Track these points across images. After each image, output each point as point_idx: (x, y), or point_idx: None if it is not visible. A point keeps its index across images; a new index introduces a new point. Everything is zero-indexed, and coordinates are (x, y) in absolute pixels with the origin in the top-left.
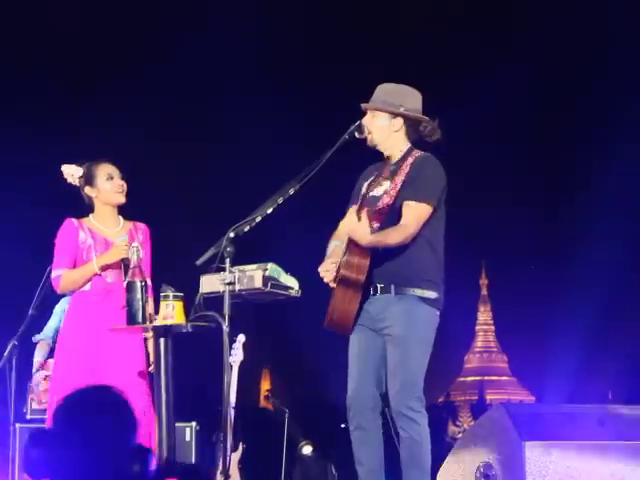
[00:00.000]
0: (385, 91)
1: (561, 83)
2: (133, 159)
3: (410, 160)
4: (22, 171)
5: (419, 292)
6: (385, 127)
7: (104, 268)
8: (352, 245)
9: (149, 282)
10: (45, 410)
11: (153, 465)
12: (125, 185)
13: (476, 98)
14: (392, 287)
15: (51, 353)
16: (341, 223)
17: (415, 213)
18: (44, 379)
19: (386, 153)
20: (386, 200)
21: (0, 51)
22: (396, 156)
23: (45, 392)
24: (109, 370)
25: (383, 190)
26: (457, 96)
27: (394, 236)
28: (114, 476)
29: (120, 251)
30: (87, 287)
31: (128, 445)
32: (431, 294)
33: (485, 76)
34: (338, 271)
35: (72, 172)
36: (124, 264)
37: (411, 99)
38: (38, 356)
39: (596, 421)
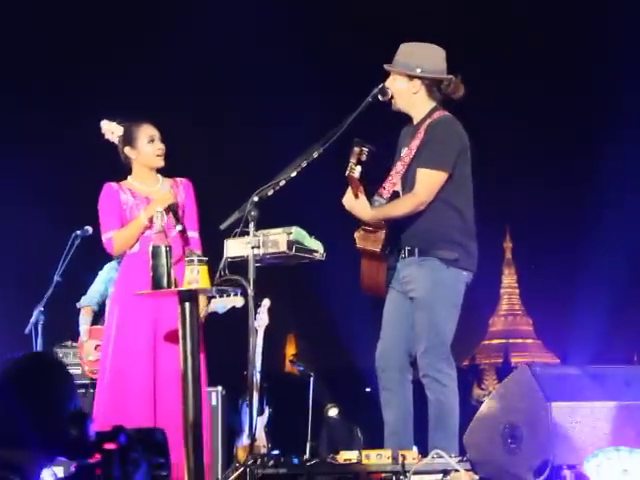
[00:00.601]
0: (404, 53)
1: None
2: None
3: (426, 124)
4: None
5: (440, 254)
6: (404, 90)
7: (152, 219)
8: None
9: (197, 237)
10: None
11: (92, 430)
12: (164, 148)
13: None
14: (416, 250)
15: (95, 319)
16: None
17: (426, 181)
18: (95, 349)
19: (411, 115)
20: (399, 168)
21: None
22: (418, 118)
23: (96, 362)
24: (160, 333)
25: (401, 156)
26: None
27: (400, 207)
28: (50, 440)
29: (165, 199)
30: (135, 249)
31: (66, 410)
32: (451, 255)
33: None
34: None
35: (112, 130)
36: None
37: (430, 59)
38: (84, 323)
39: (622, 382)
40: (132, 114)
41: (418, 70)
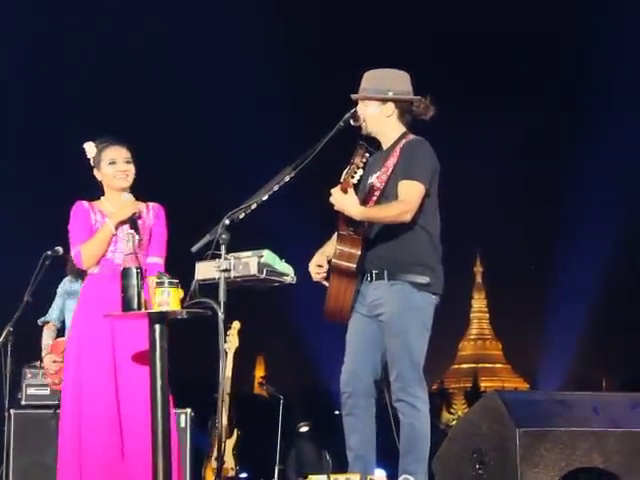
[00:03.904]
0: (372, 78)
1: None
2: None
3: (401, 144)
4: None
5: (411, 278)
6: (377, 114)
7: (118, 226)
8: (343, 232)
9: (162, 263)
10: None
11: None
12: (130, 169)
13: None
14: (385, 273)
15: (59, 333)
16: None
17: (410, 190)
18: (54, 362)
19: (381, 140)
20: (377, 184)
21: None
22: (390, 141)
23: (57, 373)
24: (125, 353)
25: (375, 176)
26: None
27: (389, 210)
28: None
29: (128, 206)
30: (96, 270)
31: None
32: (423, 279)
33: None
34: (329, 262)
35: (88, 151)
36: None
37: (398, 81)
38: (47, 338)
39: (590, 408)
40: (111, 135)
41: (390, 93)
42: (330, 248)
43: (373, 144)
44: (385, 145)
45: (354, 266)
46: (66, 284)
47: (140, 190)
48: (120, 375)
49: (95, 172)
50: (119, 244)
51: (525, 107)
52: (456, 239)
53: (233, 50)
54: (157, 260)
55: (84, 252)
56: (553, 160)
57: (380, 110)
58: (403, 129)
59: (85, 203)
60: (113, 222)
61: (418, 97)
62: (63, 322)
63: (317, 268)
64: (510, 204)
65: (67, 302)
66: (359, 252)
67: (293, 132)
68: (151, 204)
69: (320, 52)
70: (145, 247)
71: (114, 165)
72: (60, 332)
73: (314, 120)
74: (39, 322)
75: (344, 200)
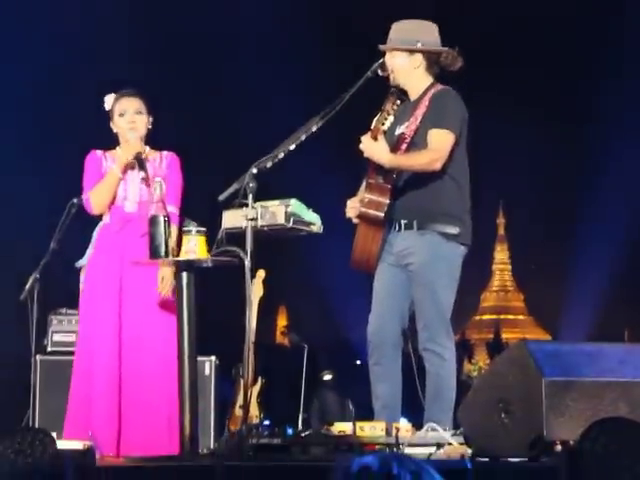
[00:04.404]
0: (400, 29)
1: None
2: (157, 90)
3: (430, 94)
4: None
5: (441, 228)
6: (405, 65)
7: (124, 170)
8: (372, 181)
9: (176, 212)
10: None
11: None
12: (138, 120)
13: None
14: (415, 223)
15: None
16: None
17: (440, 139)
18: None
19: (409, 90)
20: (406, 133)
21: None
22: (418, 92)
23: None
24: (132, 301)
25: (404, 126)
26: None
27: (419, 158)
28: None
29: (130, 148)
30: (106, 219)
31: None
32: (453, 229)
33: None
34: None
35: (106, 103)
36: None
37: (427, 33)
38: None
39: (616, 360)
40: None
41: (419, 44)
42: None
43: (402, 95)
44: (413, 96)
45: (382, 215)
46: None
47: (167, 138)
48: (125, 324)
49: (111, 123)
50: (129, 192)
51: (559, 68)
52: (479, 190)
53: None
54: (172, 209)
55: (92, 198)
56: (580, 113)
57: (408, 61)
58: (431, 80)
59: (98, 152)
60: (118, 166)
61: (446, 48)
62: None
63: (353, 203)
64: (534, 156)
65: None
66: (388, 201)
67: (325, 76)
68: (165, 153)
69: None
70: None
71: (123, 117)
72: None
73: (344, 68)
74: (76, 265)
75: (374, 147)
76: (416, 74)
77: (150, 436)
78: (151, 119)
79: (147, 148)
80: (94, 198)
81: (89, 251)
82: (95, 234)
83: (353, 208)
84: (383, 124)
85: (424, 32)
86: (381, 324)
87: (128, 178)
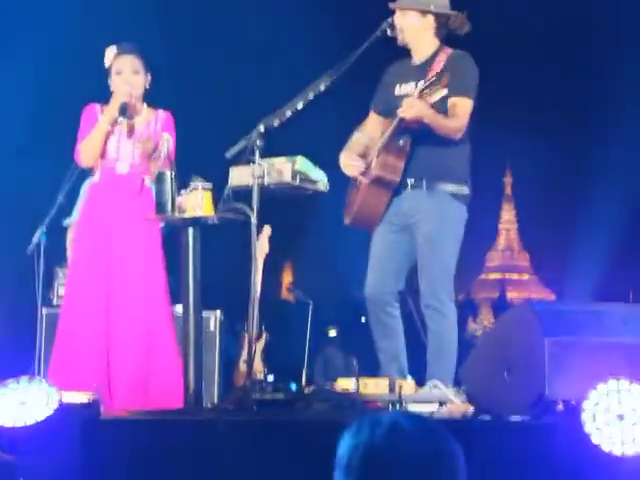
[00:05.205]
0: None
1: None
2: (164, 44)
3: (443, 57)
4: None
5: (450, 188)
6: (416, 26)
7: (112, 123)
8: (390, 143)
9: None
10: None
11: None
12: (134, 81)
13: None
14: (423, 183)
15: None
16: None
17: (465, 108)
18: None
19: (416, 51)
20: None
21: None
22: (426, 54)
23: None
24: (122, 258)
25: (418, 88)
26: None
27: (450, 123)
28: None
29: (118, 96)
30: (96, 178)
31: None
32: (462, 190)
33: None
34: (367, 168)
35: (105, 58)
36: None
37: None
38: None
39: (620, 320)
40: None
41: (432, 6)
42: (357, 147)
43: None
44: (418, 57)
45: (398, 179)
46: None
47: (171, 92)
48: (115, 285)
49: (109, 80)
50: (121, 153)
51: (571, 31)
52: (486, 149)
53: None
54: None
55: (81, 149)
56: (586, 68)
57: (420, 22)
58: (438, 42)
59: (97, 105)
60: (105, 117)
61: (455, 12)
62: None
63: (353, 161)
64: (541, 116)
65: None
66: (403, 164)
67: (329, 37)
68: (160, 112)
69: None
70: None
71: (120, 75)
72: None
73: (350, 26)
74: (64, 224)
75: (421, 105)
76: (426, 35)
77: (133, 389)
78: (149, 77)
79: (144, 106)
80: (83, 151)
81: (77, 208)
82: (83, 192)
83: (353, 166)
84: (431, 95)
85: None
86: (379, 283)
87: (121, 139)
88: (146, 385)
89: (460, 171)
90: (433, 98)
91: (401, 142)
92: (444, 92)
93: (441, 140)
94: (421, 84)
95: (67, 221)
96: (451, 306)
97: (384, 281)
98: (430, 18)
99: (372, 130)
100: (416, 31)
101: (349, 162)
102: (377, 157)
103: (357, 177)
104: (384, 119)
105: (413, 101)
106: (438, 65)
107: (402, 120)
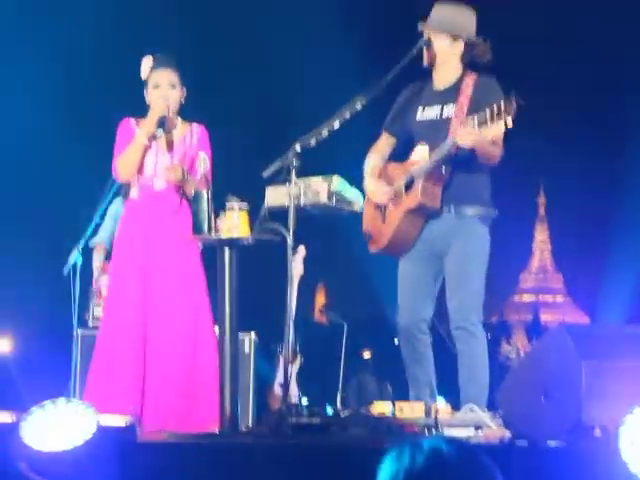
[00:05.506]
0: (446, 12)
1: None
2: (198, 60)
3: (469, 81)
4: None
5: (477, 211)
6: (446, 49)
7: (150, 138)
8: (434, 169)
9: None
10: None
11: None
12: (171, 96)
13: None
14: (452, 207)
15: (109, 256)
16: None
17: (501, 136)
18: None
19: (440, 74)
20: (456, 120)
21: None
22: (450, 78)
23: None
24: (161, 278)
25: (446, 112)
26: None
27: (495, 151)
28: None
29: (156, 110)
30: (134, 195)
31: None
32: (488, 212)
33: None
34: (396, 195)
35: (142, 70)
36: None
37: (471, 21)
38: (97, 261)
39: None
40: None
41: (464, 34)
42: (378, 172)
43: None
44: (441, 81)
45: (438, 206)
46: (117, 205)
47: (207, 108)
48: (150, 302)
49: (145, 93)
50: (159, 169)
51: (601, 51)
52: (520, 170)
53: None
54: None
55: (118, 164)
56: (620, 86)
57: (451, 46)
58: (462, 67)
59: (132, 120)
60: (142, 131)
61: (482, 39)
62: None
63: (383, 188)
64: (576, 137)
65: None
66: (441, 191)
67: (369, 58)
68: (194, 125)
69: None
70: (188, 169)
71: (157, 89)
72: (109, 255)
73: (389, 47)
74: (90, 244)
75: (471, 132)
76: (454, 60)
77: (173, 409)
78: (185, 91)
79: (179, 120)
80: (119, 165)
81: (104, 228)
82: (112, 212)
83: (384, 194)
84: (489, 126)
85: (469, 20)
86: (410, 313)
87: (159, 155)
88: (188, 405)
89: (486, 194)
90: (491, 130)
91: (444, 169)
92: (501, 126)
93: (469, 165)
94: (481, 114)
95: (93, 241)
96: (480, 327)
97: (416, 308)
98: (460, 43)
99: (384, 152)
100: (445, 54)
101: (379, 189)
102: (420, 184)
103: (387, 204)
104: (395, 141)
105: (472, 130)
106: (467, 90)
107: (456, 147)
